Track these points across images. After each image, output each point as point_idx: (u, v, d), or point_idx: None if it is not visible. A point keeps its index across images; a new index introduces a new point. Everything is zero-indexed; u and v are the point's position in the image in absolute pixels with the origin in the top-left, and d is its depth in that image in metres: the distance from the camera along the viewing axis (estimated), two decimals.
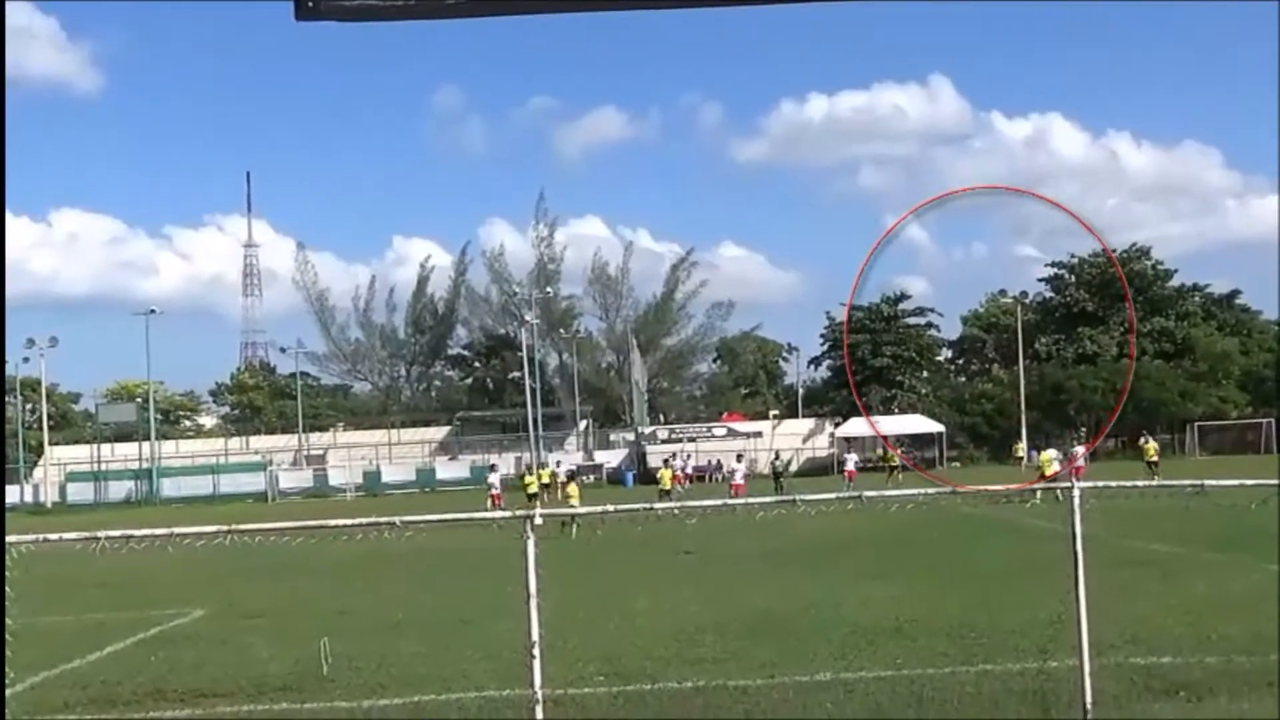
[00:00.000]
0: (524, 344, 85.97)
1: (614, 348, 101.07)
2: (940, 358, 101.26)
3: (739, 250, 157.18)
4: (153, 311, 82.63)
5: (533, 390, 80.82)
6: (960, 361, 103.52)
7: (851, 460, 55.57)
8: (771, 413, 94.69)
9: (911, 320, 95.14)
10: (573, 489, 36.42)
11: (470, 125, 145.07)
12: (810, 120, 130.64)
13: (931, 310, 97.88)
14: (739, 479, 43.66)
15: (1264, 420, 76.52)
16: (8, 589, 8.14)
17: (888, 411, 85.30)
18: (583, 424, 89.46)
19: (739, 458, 50.50)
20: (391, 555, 23.20)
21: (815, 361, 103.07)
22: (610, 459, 79.70)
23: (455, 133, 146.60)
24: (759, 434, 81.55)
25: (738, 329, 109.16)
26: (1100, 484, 10.34)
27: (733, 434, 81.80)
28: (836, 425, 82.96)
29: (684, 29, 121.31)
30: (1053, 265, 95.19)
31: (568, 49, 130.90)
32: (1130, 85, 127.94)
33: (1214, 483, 9.46)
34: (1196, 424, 75.97)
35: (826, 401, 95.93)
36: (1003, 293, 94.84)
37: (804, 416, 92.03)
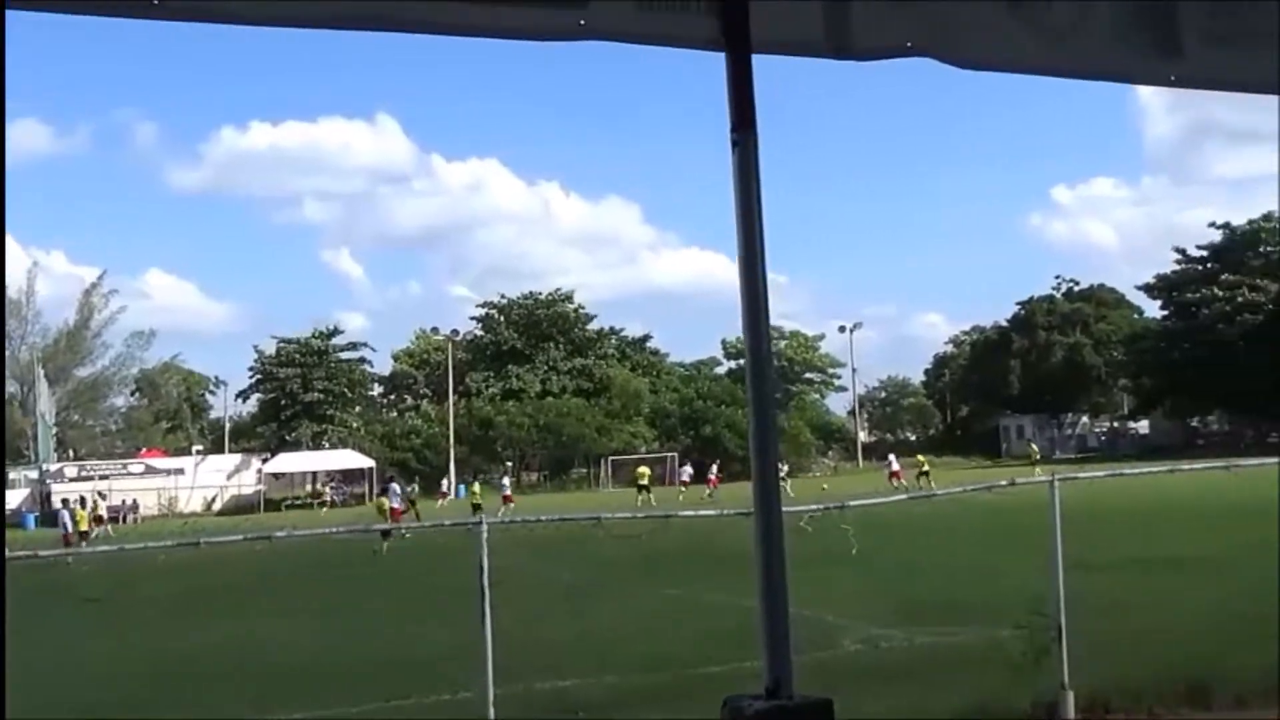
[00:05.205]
0: None
1: (16, 377, 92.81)
2: (373, 393, 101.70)
3: (168, 278, 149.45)
4: None
5: None
6: (392, 397, 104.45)
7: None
8: (195, 448, 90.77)
9: (344, 355, 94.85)
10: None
11: None
12: (253, 149, 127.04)
13: (365, 345, 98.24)
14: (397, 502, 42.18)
15: (669, 454, 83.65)
16: None
17: (318, 446, 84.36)
18: None
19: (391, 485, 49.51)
20: None
21: (243, 395, 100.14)
22: (9, 500, 72.66)
23: None
24: (181, 471, 78.03)
25: (160, 359, 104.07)
26: (509, 519, 10.80)
27: (151, 471, 77.64)
28: (265, 461, 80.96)
29: (118, 42, 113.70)
30: (484, 305, 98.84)
31: None
32: (559, 138, 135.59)
33: (609, 515, 10.17)
34: (610, 458, 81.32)
35: (255, 436, 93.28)
36: (435, 330, 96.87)
37: (231, 452, 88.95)
